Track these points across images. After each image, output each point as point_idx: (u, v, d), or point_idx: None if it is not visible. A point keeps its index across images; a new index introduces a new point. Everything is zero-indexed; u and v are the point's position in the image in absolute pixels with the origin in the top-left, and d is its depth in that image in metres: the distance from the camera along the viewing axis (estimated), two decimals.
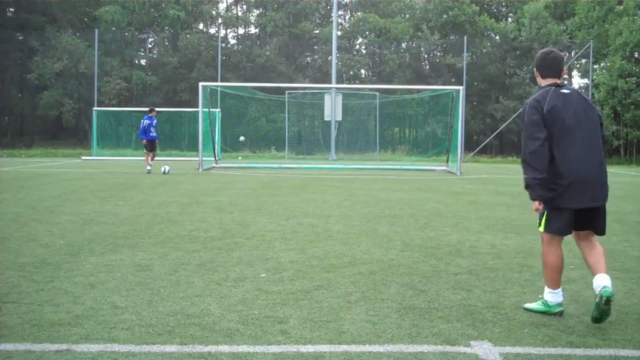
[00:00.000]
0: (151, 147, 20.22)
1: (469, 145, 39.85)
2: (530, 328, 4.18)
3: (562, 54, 4.70)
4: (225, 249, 6.82)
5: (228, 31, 53.56)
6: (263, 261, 6.21)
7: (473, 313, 4.50)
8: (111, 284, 5.20)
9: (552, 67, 4.60)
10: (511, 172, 24.32)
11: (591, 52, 38.70)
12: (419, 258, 6.49)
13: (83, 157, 32.40)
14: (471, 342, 3.90)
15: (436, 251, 6.88)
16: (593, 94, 38.21)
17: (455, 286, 5.28)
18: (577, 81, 48.22)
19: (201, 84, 23.43)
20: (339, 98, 34.33)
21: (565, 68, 4.84)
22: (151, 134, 20.17)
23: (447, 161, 25.65)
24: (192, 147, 34.00)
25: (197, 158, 23.36)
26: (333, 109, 34.01)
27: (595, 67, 41.12)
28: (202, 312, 4.43)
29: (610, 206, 11.72)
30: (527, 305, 4.66)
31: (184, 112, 37.76)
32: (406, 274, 5.73)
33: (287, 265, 6.05)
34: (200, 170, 21.47)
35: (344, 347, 3.76)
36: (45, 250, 6.65)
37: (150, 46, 51.91)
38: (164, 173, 19.05)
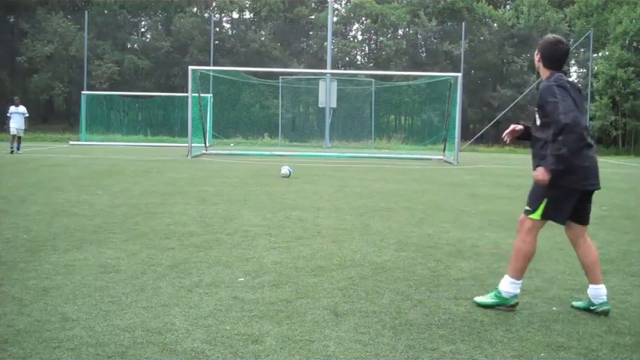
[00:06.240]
0: None
1: (465, 134, 39.16)
2: (548, 352, 3.56)
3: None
4: (204, 247, 6.19)
5: (223, 15, 52.58)
6: (243, 262, 5.59)
7: (479, 330, 3.88)
8: (67, 289, 4.57)
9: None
10: (509, 162, 23.75)
11: (591, 40, 37.98)
12: (415, 259, 5.87)
13: (71, 142, 31.69)
14: None
15: (434, 251, 6.27)
16: (592, 84, 37.59)
17: (457, 295, 4.67)
18: (575, 70, 47.51)
19: (190, 68, 22.64)
20: (334, 84, 33.66)
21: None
22: None
23: (444, 150, 25.03)
24: (185, 133, 33.28)
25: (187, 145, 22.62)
26: (327, 95, 33.32)
27: (594, 55, 40.41)
28: (165, 327, 3.80)
29: (616, 201, 11.17)
30: (479, 299, 4.39)
31: (176, 97, 36.90)
32: (401, 279, 5.12)
33: (269, 267, 5.43)
34: (189, 157, 20.78)
35: None
36: (4, 246, 6.02)
37: (143, 29, 50.95)
38: None
